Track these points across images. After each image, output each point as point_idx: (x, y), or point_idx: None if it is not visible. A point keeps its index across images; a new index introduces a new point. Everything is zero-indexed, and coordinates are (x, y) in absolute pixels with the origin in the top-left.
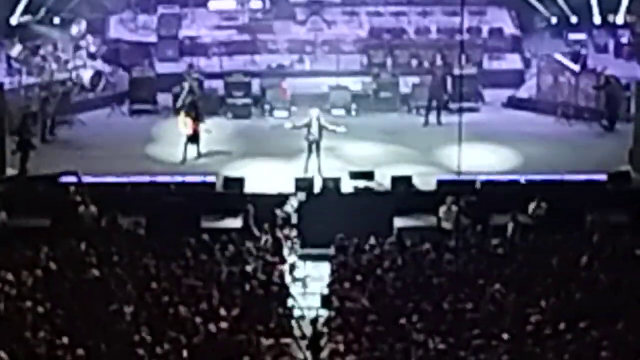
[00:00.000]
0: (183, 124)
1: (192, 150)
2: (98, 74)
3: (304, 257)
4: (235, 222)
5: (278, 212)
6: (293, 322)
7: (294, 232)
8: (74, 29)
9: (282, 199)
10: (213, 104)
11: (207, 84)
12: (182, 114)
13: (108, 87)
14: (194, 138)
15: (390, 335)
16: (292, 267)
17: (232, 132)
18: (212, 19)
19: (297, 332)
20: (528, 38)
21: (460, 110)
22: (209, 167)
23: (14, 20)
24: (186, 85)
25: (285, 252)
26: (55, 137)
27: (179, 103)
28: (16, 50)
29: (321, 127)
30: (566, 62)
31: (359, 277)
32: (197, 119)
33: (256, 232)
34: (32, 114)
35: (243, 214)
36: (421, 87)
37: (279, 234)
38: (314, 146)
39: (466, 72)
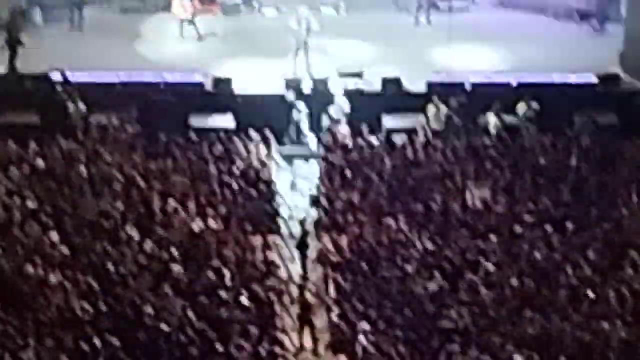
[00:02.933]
0: (181, 7)
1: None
2: None
3: (293, 157)
4: (224, 121)
5: (331, 111)
6: (281, 221)
7: (347, 129)
8: None
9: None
10: None
11: None
12: None
13: None
14: (191, 20)
15: (377, 234)
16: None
17: (221, 30)
18: None
19: (285, 231)
20: None
21: (450, 10)
22: (198, 64)
23: None
24: None
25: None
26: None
27: None
28: None
29: (309, 27)
30: None
31: (347, 176)
32: None
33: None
34: (21, 11)
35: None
36: None
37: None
38: (302, 45)
39: None
